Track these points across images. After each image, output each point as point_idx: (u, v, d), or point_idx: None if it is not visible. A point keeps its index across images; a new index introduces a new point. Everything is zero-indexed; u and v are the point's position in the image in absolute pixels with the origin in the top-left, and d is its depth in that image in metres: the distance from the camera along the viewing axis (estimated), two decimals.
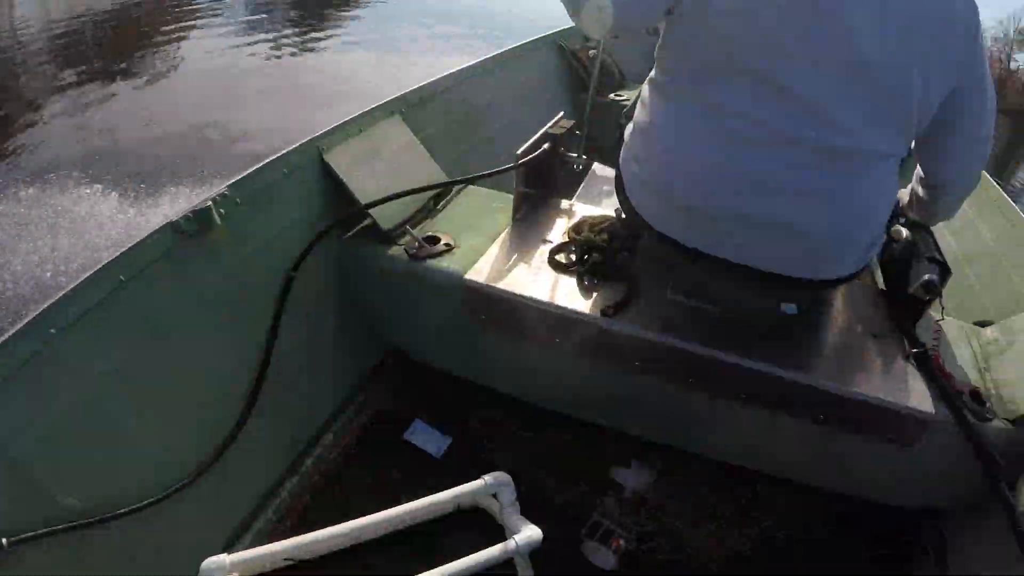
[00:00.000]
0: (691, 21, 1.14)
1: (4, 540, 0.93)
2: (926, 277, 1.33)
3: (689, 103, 1.18)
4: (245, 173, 1.41)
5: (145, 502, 1.15)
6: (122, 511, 1.11)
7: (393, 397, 1.83)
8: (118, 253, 1.17)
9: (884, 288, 1.54)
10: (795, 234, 1.17)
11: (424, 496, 1.19)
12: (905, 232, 1.46)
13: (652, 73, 1.29)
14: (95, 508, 1.08)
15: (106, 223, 4.31)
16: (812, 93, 1.08)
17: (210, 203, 1.30)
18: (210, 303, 1.33)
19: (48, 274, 3.74)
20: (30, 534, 0.97)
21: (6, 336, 1.00)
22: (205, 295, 1.32)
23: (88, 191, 4.75)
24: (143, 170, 5.16)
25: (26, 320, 1.03)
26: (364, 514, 1.15)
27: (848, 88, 1.08)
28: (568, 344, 1.41)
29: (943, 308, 1.40)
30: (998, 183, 2.07)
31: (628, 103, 3.09)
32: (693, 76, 1.17)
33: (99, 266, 1.14)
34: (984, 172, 1.75)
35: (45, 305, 1.06)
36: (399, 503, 1.17)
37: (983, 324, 1.49)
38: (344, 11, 12.57)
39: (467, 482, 1.21)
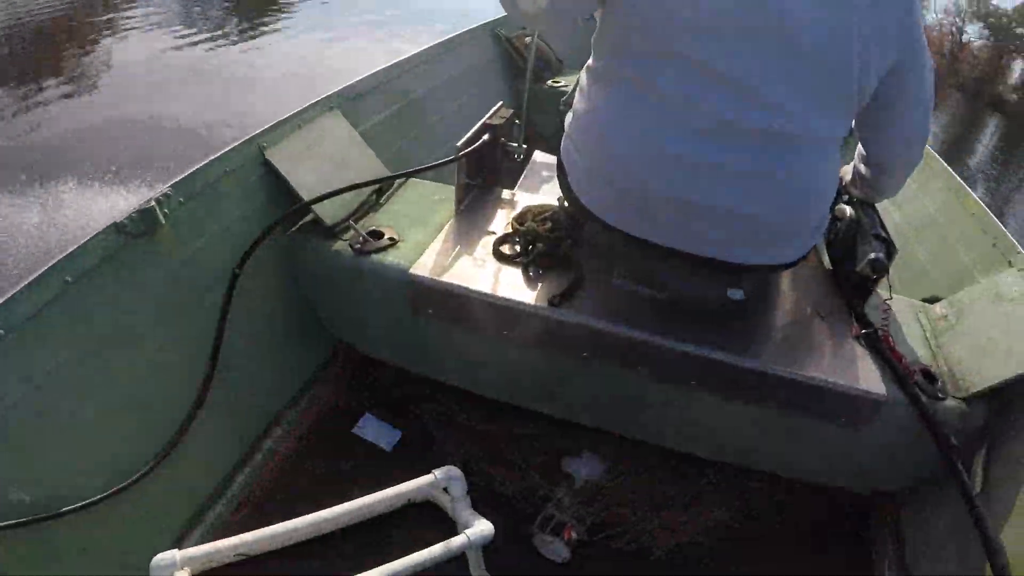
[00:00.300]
0: (624, 6, 1.14)
1: None
2: (872, 255, 1.35)
3: (626, 89, 1.18)
4: (187, 172, 1.40)
5: (96, 497, 1.15)
6: (73, 507, 1.11)
7: (343, 391, 1.82)
8: (63, 255, 1.16)
9: (831, 268, 1.56)
10: (738, 219, 1.18)
11: (375, 491, 1.18)
12: (849, 211, 1.48)
13: (589, 60, 1.29)
14: (46, 504, 1.08)
15: (47, 223, 4.22)
16: (746, 75, 1.08)
17: (154, 203, 1.30)
18: (157, 302, 1.33)
19: None
20: None
21: None
22: (152, 294, 1.32)
23: (29, 190, 4.65)
24: (85, 168, 5.04)
25: None
26: (316, 508, 1.15)
27: (784, 68, 1.08)
28: (516, 335, 1.42)
29: (890, 286, 1.43)
30: (942, 159, 2.10)
31: (567, 89, 3.10)
32: (628, 62, 1.17)
33: (45, 268, 1.13)
34: (928, 147, 1.81)
35: None
36: (350, 498, 1.16)
37: (932, 300, 1.52)
38: (277, 5, 12.38)
39: (417, 475, 1.22)
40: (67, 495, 1.12)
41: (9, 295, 1.08)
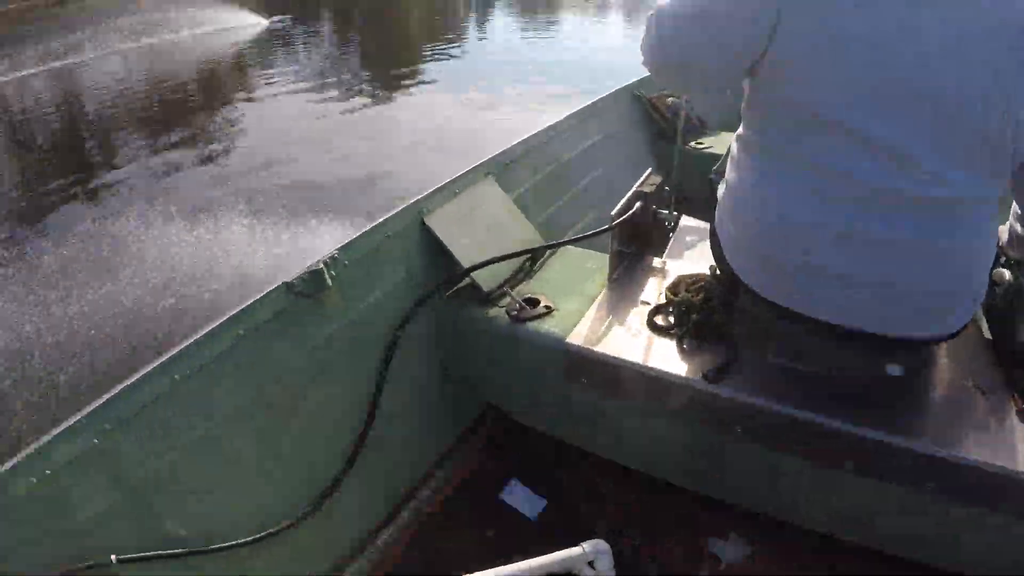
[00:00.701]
0: (772, 77, 1.14)
1: (113, 557, 1.03)
2: None
3: (778, 160, 1.17)
4: (353, 237, 1.51)
5: (245, 539, 1.22)
6: (222, 545, 1.19)
7: (489, 455, 1.85)
8: (238, 309, 1.28)
9: (990, 337, 1.44)
10: (896, 291, 1.13)
11: (518, 559, 1.19)
12: (1008, 275, 1.38)
13: (740, 129, 1.29)
14: (200, 539, 1.16)
15: (216, 269, 4.63)
16: (901, 143, 1.05)
17: (322, 265, 1.40)
18: (320, 358, 1.42)
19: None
20: (137, 555, 1.06)
21: (136, 377, 1.12)
22: (316, 350, 1.41)
23: (201, 232, 5.15)
24: (256, 215, 5.56)
25: (154, 364, 1.15)
26: (457, 573, 1.17)
27: (939, 134, 1.04)
28: (667, 407, 1.40)
29: None
30: None
31: (711, 151, 3.08)
32: (779, 133, 1.16)
33: (221, 320, 1.25)
34: None
35: (171, 353, 1.17)
36: (493, 565, 1.17)
37: None
38: (415, 69, 13.29)
39: (560, 545, 1.21)
40: (218, 533, 1.20)
41: (188, 343, 1.19)
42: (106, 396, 1.09)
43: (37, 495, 1.00)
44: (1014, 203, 1.33)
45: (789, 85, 1.12)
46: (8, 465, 0.99)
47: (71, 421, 1.06)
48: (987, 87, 1.01)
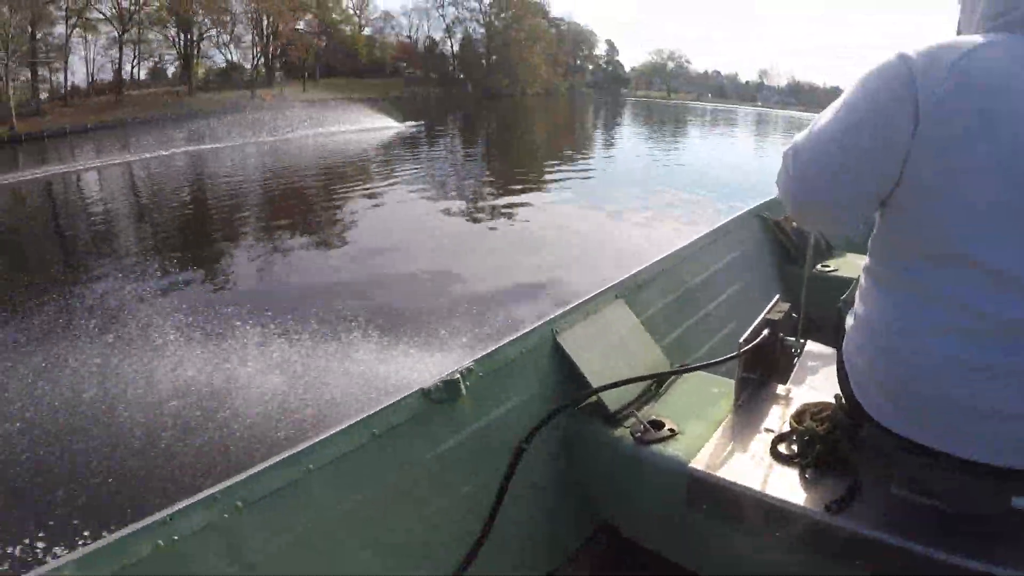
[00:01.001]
0: (900, 210, 1.19)
1: None
2: None
3: (907, 294, 1.20)
4: (488, 351, 1.62)
5: None
6: None
7: (601, 573, 1.85)
8: (375, 410, 1.38)
9: None
10: None
11: None
12: None
13: (867, 261, 1.33)
14: None
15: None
16: None
17: (458, 375, 1.51)
18: (446, 464, 1.50)
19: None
20: None
21: (272, 461, 1.21)
22: (444, 455, 1.49)
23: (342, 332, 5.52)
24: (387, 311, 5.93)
25: (291, 451, 1.24)
26: None
27: None
28: (787, 537, 1.40)
29: None
30: None
31: (837, 274, 3.09)
32: (907, 265, 1.20)
33: (357, 419, 1.35)
34: None
35: (308, 443, 1.27)
36: None
37: None
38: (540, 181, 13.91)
39: None
40: None
41: (324, 435, 1.29)
42: (242, 475, 1.18)
43: (159, 558, 1.05)
44: None
45: (916, 217, 1.17)
46: (137, 526, 1.05)
47: (205, 493, 1.14)
48: None
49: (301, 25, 63.21)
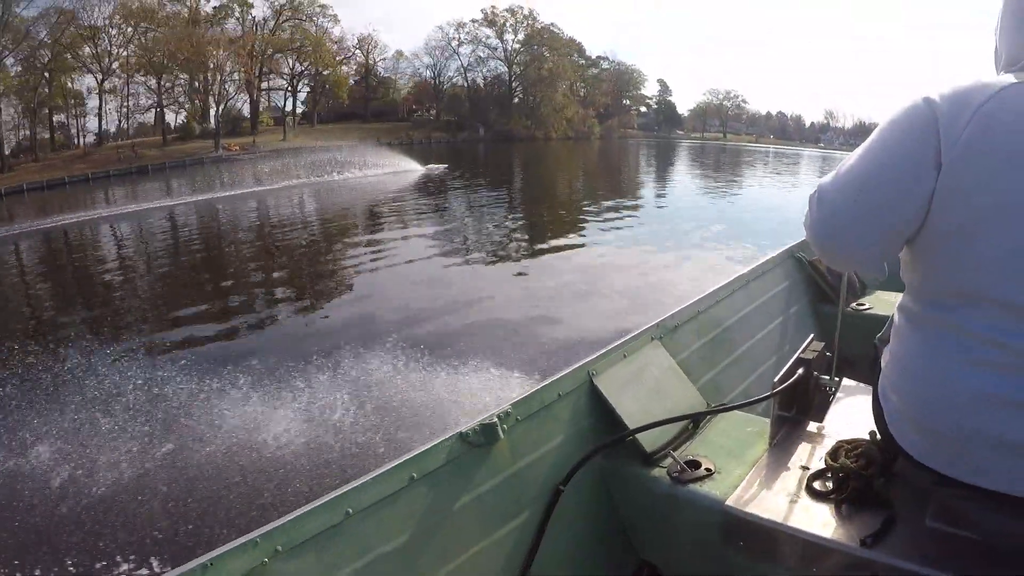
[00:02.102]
0: (927, 250, 1.26)
1: None
2: None
3: (936, 330, 1.27)
4: (525, 394, 1.70)
5: None
6: None
7: None
8: (414, 453, 1.45)
9: None
10: None
11: None
12: None
13: (901, 298, 1.40)
14: None
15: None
16: None
17: (496, 418, 1.58)
18: (484, 506, 1.55)
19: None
20: None
21: (313, 505, 1.27)
22: (482, 498, 1.55)
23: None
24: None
25: (332, 495, 1.30)
26: None
27: None
28: (824, 573, 1.45)
29: None
30: None
31: (871, 312, 3.15)
32: (939, 304, 1.27)
33: (395, 463, 1.42)
34: None
35: (348, 487, 1.33)
36: None
37: None
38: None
39: None
40: None
41: (364, 479, 1.35)
42: (281, 520, 1.23)
43: None
44: None
45: (945, 258, 1.24)
46: (179, 570, 1.08)
47: (245, 538, 1.18)
48: None
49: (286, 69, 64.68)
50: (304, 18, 65.38)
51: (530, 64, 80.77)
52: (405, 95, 77.96)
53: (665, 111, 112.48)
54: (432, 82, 78.35)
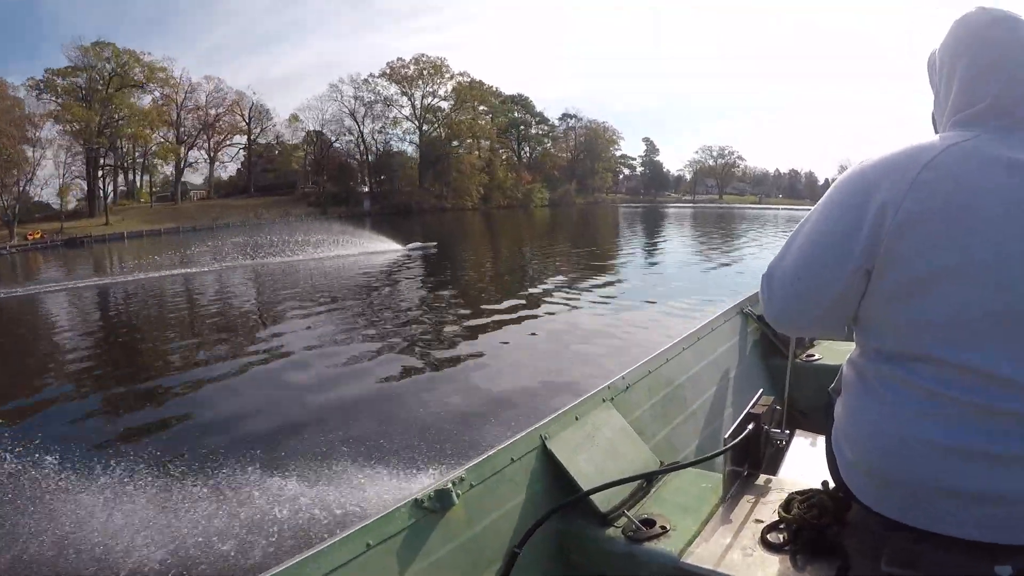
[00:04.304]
0: (874, 314, 1.39)
1: None
2: None
3: (887, 385, 1.37)
4: (479, 459, 1.77)
5: None
6: None
7: None
8: (370, 520, 1.51)
9: None
10: (1008, 503, 1.27)
11: None
12: None
13: (851, 352, 1.52)
14: None
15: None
16: (1002, 369, 1.23)
17: (450, 484, 1.66)
18: (444, 570, 1.61)
19: None
20: None
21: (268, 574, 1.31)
22: (440, 563, 1.60)
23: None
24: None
25: (284, 566, 1.34)
26: None
27: None
28: None
29: None
30: None
31: (822, 362, 3.29)
32: (887, 359, 1.38)
33: (351, 530, 1.47)
34: None
35: (300, 558, 1.38)
36: None
37: None
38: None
39: None
40: None
41: (316, 550, 1.40)
42: None
43: None
44: None
45: (890, 320, 1.36)
46: None
47: None
48: None
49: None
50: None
51: (442, 123, 74.51)
52: (298, 167, 71.34)
53: (651, 172, 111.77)
54: (323, 150, 72.91)
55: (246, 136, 71.09)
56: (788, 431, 2.09)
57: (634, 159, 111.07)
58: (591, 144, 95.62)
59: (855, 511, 1.57)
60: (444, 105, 75.76)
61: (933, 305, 1.28)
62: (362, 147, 73.38)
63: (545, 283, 17.12)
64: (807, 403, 2.75)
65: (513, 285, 17.36)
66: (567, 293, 15.50)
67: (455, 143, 74.67)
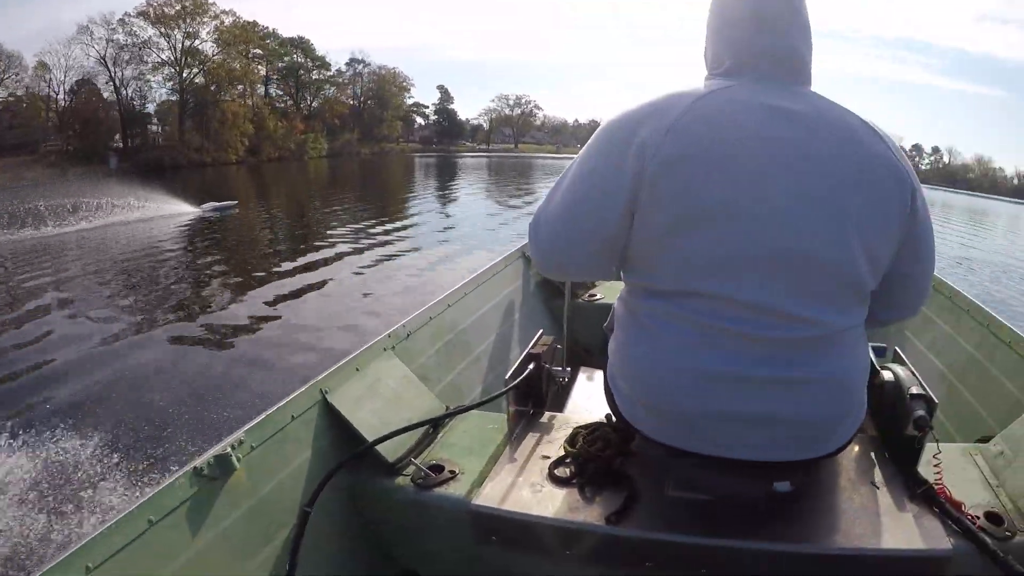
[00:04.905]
0: (638, 255, 1.44)
1: None
2: (916, 414, 1.51)
3: (658, 320, 1.43)
4: (258, 419, 1.69)
5: None
6: None
7: None
8: (147, 497, 1.40)
9: (876, 434, 1.71)
10: (777, 423, 1.36)
11: None
12: (887, 375, 1.67)
13: (621, 291, 1.58)
14: None
15: None
16: (763, 300, 1.32)
17: (229, 448, 1.57)
18: (232, 541, 1.54)
19: None
20: None
21: (42, 571, 1.19)
22: (228, 533, 1.53)
23: None
24: None
25: (63, 556, 1.23)
26: None
27: (799, 285, 1.32)
28: (577, 555, 1.56)
29: (936, 440, 1.55)
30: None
31: (603, 301, 3.50)
32: (654, 294, 1.43)
33: (130, 509, 1.36)
34: (948, 283, 2.03)
35: (78, 545, 1.26)
36: None
37: (987, 439, 1.63)
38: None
39: None
40: None
41: (95, 534, 1.29)
42: None
43: None
44: None
45: (652, 258, 1.42)
46: None
47: None
48: (839, 239, 1.31)
49: None
50: None
51: (202, 69, 66.15)
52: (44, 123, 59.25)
53: (446, 121, 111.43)
54: (70, 102, 60.67)
55: None
56: (571, 369, 2.14)
57: (427, 107, 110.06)
58: (380, 91, 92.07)
59: (638, 441, 1.63)
60: (208, 48, 67.64)
61: (694, 244, 1.33)
62: (116, 98, 63.15)
63: (323, 241, 16.62)
64: (589, 341, 2.87)
65: (286, 248, 16.66)
66: (349, 248, 15.42)
67: (219, 90, 67.21)
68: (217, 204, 23.14)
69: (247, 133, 66.05)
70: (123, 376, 7.39)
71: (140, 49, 63.99)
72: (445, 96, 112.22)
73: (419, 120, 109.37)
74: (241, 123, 65.53)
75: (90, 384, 7.19)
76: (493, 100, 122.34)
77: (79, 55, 61.72)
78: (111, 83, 62.90)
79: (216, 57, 67.34)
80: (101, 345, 8.58)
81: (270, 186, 41.04)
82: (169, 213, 22.18)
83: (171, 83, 66.01)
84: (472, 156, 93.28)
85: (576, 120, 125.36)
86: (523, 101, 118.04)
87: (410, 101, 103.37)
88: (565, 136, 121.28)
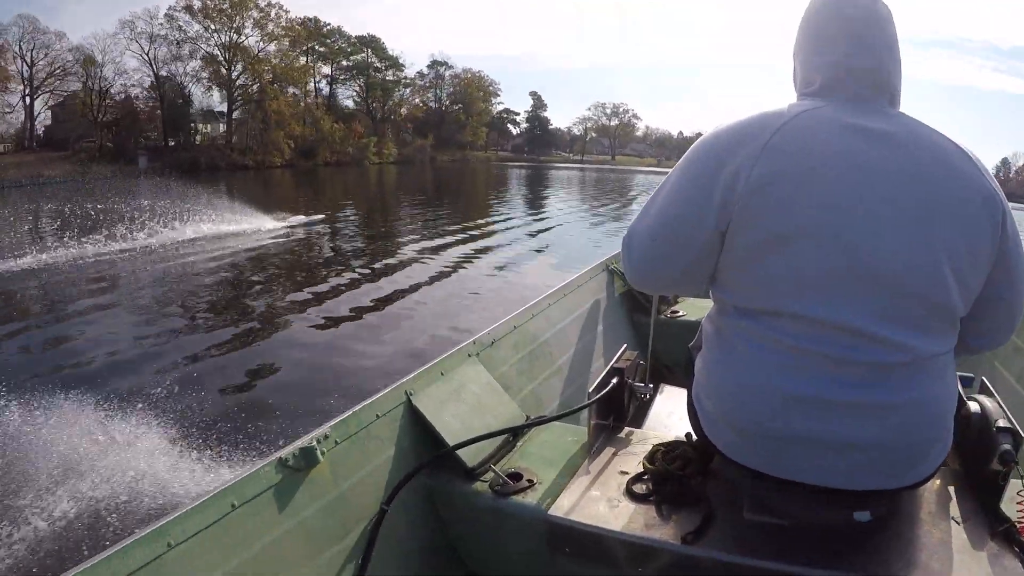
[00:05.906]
0: (729, 273, 1.48)
1: None
2: (1002, 448, 1.50)
3: (745, 341, 1.46)
4: (343, 416, 1.78)
5: None
6: None
7: None
8: (233, 480, 1.50)
9: (959, 467, 1.69)
10: (861, 450, 1.37)
11: None
12: (974, 407, 1.66)
13: (709, 309, 1.62)
14: None
15: None
16: (851, 320, 1.33)
17: (315, 441, 1.66)
18: (310, 531, 1.62)
19: None
20: None
21: (126, 543, 1.28)
22: (306, 524, 1.61)
23: None
24: None
25: (147, 531, 1.32)
26: None
27: (888, 308, 1.32)
28: (650, 572, 1.59)
29: (1022, 476, 1.52)
30: None
31: (686, 318, 3.52)
32: (742, 315, 1.46)
33: (215, 491, 1.46)
34: None
35: (166, 520, 1.36)
36: None
37: None
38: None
39: None
40: None
41: (182, 511, 1.38)
42: (100, 556, 1.25)
43: None
44: None
45: (742, 277, 1.46)
46: None
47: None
48: (928, 262, 1.33)
49: None
50: None
51: (252, 66, 64.30)
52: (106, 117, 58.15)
53: (538, 129, 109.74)
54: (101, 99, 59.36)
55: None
56: (652, 385, 2.19)
57: (518, 113, 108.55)
58: (463, 96, 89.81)
59: (718, 461, 1.65)
60: (252, 43, 65.64)
61: (785, 263, 1.36)
62: (158, 94, 62.08)
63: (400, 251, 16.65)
64: (671, 358, 2.90)
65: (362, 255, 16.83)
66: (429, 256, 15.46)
67: (262, 90, 64.86)
68: (305, 218, 23.26)
69: (294, 135, 63.70)
70: (218, 368, 7.85)
71: (181, 45, 62.81)
72: (538, 103, 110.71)
73: (512, 129, 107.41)
74: (288, 124, 63.34)
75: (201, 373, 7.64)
76: (589, 108, 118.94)
77: (121, 50, 60.95)
78: (153, 79, 61.94)
79: (260, 54, 65.20)
80: (216, 342, 9.04)
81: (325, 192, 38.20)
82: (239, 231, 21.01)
83: (218, 81, 64.34)
84: (564, 167, 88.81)
85: (680, 132, 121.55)
86: (621, 110, 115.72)
87: (499, 107, 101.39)
88: (669, 148, 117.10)
